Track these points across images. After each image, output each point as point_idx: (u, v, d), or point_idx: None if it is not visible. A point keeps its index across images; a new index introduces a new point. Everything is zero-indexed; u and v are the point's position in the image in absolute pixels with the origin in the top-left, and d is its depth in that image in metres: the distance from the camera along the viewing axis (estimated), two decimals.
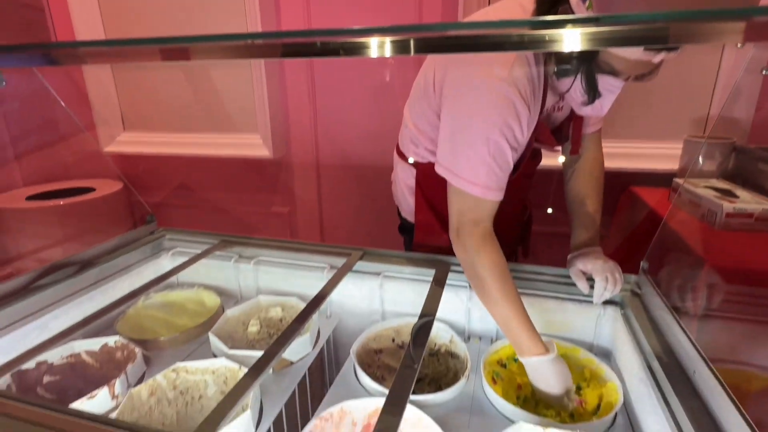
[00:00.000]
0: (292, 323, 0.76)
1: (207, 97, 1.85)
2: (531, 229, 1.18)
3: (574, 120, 0.91)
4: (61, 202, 1.68)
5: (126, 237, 1.17)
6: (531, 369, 0.79)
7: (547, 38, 0.44)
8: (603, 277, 0.83)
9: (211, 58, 0.61)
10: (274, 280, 1.10)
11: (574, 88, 0.77)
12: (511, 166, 0.80)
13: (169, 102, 1.90)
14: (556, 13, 0.70)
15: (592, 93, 0.75)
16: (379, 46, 0.49)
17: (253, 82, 1.70)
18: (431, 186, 0.98)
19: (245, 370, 0.80)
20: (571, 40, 0.43)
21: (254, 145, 1.75)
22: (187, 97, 1.86)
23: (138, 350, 0.85)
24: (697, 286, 0.84)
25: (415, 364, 0.65)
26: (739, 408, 0.51)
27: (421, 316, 0.76)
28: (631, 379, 0.74)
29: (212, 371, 0.82)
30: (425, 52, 0.52)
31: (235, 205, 2.01)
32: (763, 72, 0.54)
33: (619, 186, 1.46)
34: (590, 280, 0.87)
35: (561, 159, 0.98)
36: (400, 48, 0.49)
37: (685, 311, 0.79)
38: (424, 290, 0.98)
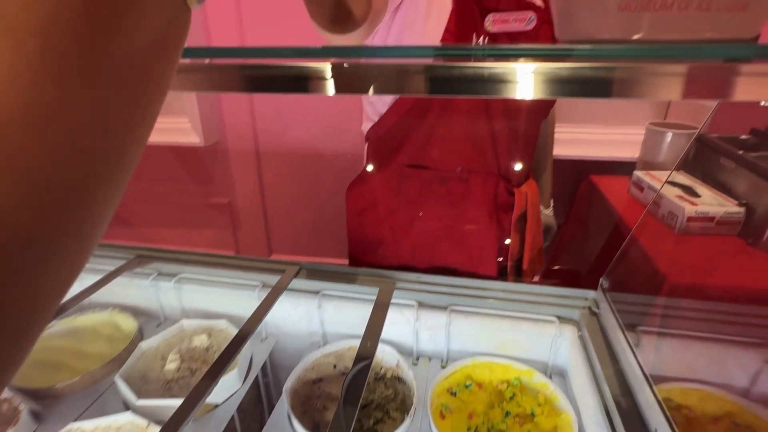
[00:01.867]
0: (213, 366, 0.65)
1: None
2: (528, 236, 0.93)
3: None
4: None
5: None
6: None
7: None
8: None
9: None
10: (200, 299, 0.97)
11: None
12: None
13: None
14: None
15: None
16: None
17: None
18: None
19: (154, 427, 0.69)
20: None
21: (182, 131, 1.55)
22: None
23: (23, 406, 0.71)
24: (655, 303, 0.78)
25: (345, 428, 0.56)
26: None
27: (357, 360, 0.67)
28: (586, 416, 0.69)
29: (116, 429, 0.70)
30: None
31: (170, 197, 1.82)
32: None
33: (578, 175, 1.39)
34: None
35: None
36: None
37: (643, 332, 0.74)
38: (367, 309, 0.88)
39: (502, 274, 0.94)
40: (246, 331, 0.74)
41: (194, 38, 1.50)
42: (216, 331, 0.92)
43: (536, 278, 1.33)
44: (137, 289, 1.00)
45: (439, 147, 0.82)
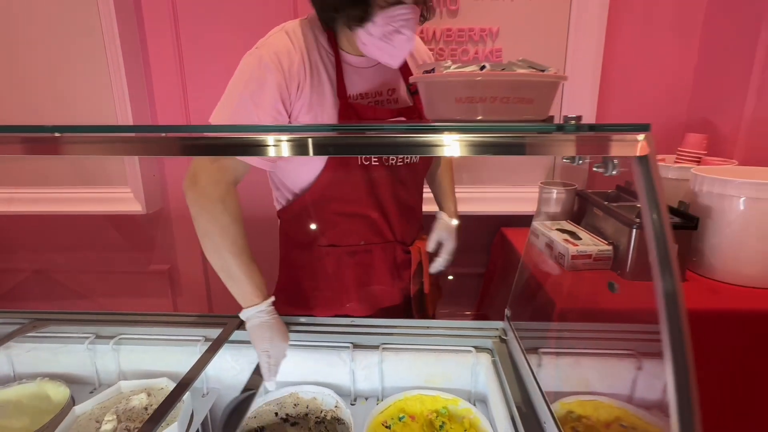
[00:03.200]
0: (149, 419, 0.68)
1: None
2: (427, 281, 1.10)
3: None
4: None
5: None
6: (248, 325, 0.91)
7: None
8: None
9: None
10: (139, 360, 0.98)
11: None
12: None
13: None
14: None
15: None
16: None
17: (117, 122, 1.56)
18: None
19: None
20: None
21: (123, 200, 1.58)
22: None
23: None
24: (551, 328, 0.93)
25: None
26: None
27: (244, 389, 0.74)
28: None
29: None
30: None
31: (105, 266, 1.78)
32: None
33: (491, 228, 1.60)
34: None
35: None
36: None
37: (544, 353, 0.87)
38: (308, 355, 0.95)
39: (410, 316, 1.11)
40: (185, 382, 0.77)
41: (140, 106, 1.58)
42: (156, 389, 0.93)
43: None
44: (70, 355, 0.98)
45: (344, 228, 1.00)
